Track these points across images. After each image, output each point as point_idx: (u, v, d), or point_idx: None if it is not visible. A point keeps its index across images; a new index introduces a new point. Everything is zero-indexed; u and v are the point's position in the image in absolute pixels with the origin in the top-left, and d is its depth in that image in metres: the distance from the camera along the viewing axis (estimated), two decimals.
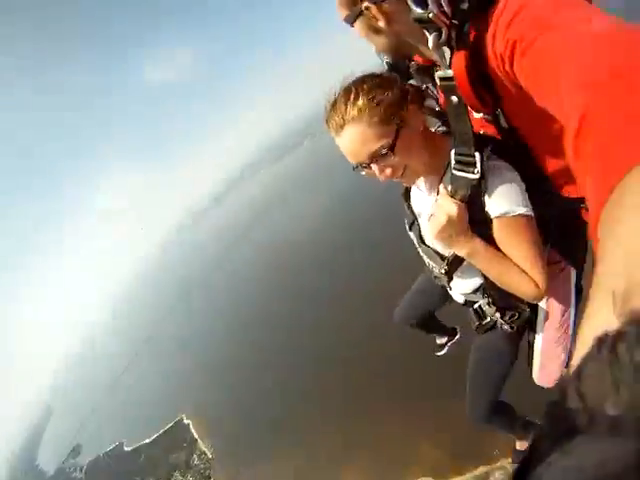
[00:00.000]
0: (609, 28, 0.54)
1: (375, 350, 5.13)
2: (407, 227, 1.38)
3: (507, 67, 0.72)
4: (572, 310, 1.28)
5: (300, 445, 5.09)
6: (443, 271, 1.25)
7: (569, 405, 0.19)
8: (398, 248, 3.03)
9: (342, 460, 4.40)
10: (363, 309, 6.02)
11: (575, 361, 0.21)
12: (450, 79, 0.85)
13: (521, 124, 0.90)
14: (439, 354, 2.68)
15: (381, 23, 0.91)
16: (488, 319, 1.30)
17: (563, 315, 1.28)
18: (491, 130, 0.98)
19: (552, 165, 0.94)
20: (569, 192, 0.99)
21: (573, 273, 1.26)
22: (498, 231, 1.04)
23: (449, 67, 0.85)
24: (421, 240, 1.32)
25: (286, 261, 10.95)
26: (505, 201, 1.00)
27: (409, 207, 1.34)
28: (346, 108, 1.01)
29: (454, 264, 1.22)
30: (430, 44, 0.83)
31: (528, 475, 0.19)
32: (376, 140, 1.01)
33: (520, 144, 0.94)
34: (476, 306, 1.32)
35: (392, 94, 1.00)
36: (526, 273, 1.04)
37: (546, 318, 1.30)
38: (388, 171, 1.05)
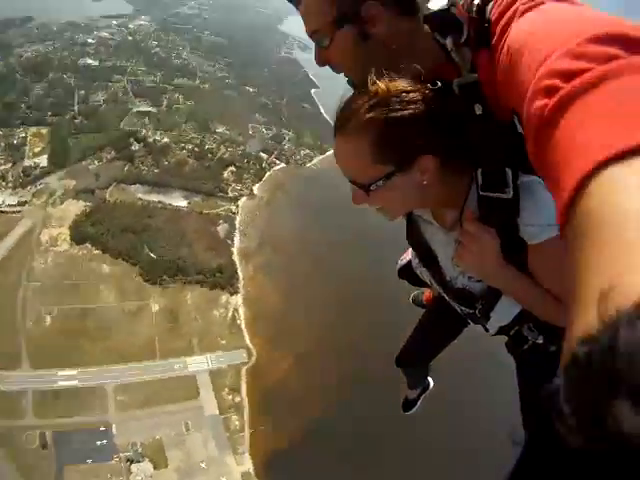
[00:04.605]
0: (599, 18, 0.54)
1: None
2: (419, 271, 1.28)
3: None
4: None
5: None
6: (478, 311, 1.14)
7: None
8: None
9: None
10: None
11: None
12: (474, 84, 0.78)
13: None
14: (409, 413, 2.40)
15: (378, 28, 0.84)
16: (529, 343, 1.19)
17: None
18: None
19: None
20: None
21: None
22: (535, 258, 0.94)
23: (472, 70, 0.78)
24: (443, 282, 1.21)
25: None
26: (543, 225, 0.90)
27: (420, 247, 1.23)
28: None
29: (490, 301, 1.11)
30: (449, 45, 0.78)
31: None
32: (362, 173, 0.97)
33: None
34: (513, 332, 1.20)
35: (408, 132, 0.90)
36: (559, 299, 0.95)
37: None
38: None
